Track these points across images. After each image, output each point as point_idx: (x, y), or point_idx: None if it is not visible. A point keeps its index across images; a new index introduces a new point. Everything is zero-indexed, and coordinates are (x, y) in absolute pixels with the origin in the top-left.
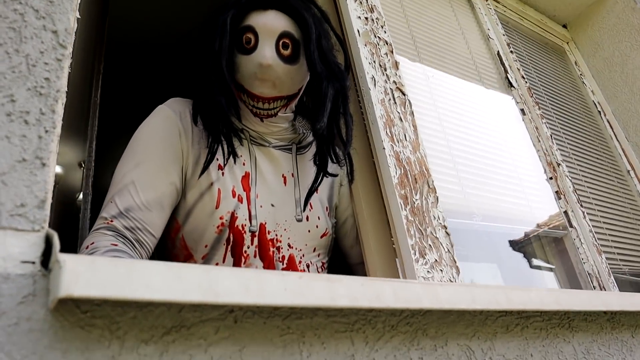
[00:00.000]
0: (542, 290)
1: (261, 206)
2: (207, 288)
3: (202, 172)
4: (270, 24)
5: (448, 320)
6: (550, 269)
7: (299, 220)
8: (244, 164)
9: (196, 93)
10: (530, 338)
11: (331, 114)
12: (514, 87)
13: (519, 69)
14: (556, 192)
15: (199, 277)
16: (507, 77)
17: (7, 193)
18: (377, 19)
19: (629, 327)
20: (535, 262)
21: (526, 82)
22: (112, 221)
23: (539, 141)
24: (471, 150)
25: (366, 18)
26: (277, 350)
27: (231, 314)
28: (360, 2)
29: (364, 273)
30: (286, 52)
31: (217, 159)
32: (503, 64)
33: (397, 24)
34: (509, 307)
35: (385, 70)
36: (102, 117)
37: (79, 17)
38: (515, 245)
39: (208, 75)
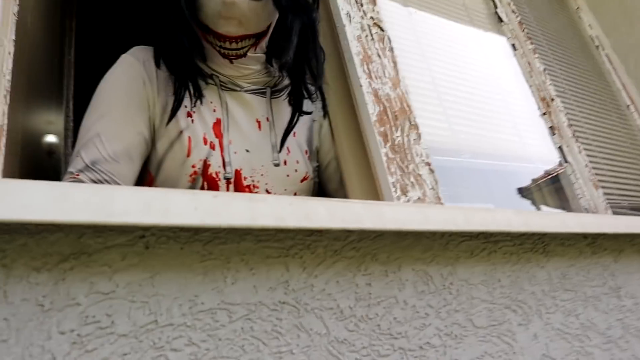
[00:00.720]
0: (509, 211)
1: (235, 152)
2: (99, 207)
3: (170, 119)
4: None
5: (403, 244)
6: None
7: (277, 165)
8: (214, 111)
9: (157, 35)
10: (499, 263)
11: (300, 49)
12: (504, 21)
13: (509, 3)
14: (550, 127)
15: (89, 195)
16: (496, 12)
17: None
18: None
19: (612, 252)
20: (531, 197)
21: (517, 16)
22: (78, 175)
23: (531, 77)
24: (459, 87)
25: None
26: (196, 277)
27: (142, 240)
28: None
29: None
30: None
31: (186, 107)
32: None
33: None
34: (467, 228)
35: (362, 6)
36: (80, 77)
37: None
38: (510, 182)
39: (167, 15)
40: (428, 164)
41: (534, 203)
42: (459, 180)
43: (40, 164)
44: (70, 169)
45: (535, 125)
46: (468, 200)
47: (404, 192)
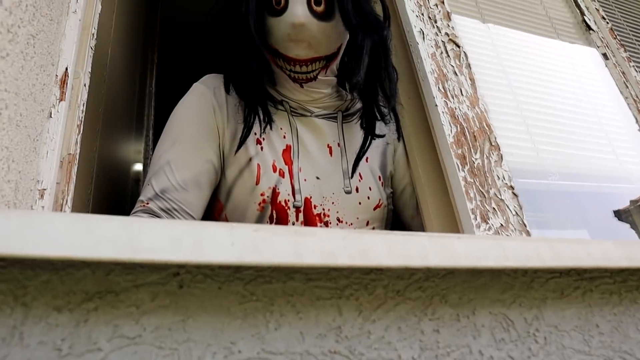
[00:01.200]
0: (607, 242)
1: (305, 180)
2: (125, 243)
3: (239, 147)
4: None
5: (477, 283)
6: None
7: (348, 192)
8: (284, 137)
9: (227, 61)
10: (596, 305)
11: (371, 69)
12: (592, 30)
13: (597, 10)
14: None
15: (115, 229)
16: (583, 20)
17: None
18: None
19: None
20: (630, 220)
21: (607, 22)
22: (148, 203)
23: (627, 87)
24: (544, 103)
25: None
26: (235, 322)
27: (175, 278)
28: None
29: None
30: (319, 9)
31: (255, 133)
32: (578, 6)
33: None
34: (556, 264)
35: (436, 22)
36: (159, 107)
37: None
38: (605, 205)
39: (237, 40)
40: (511, 187)
41: (633, 227)
42: (547, 205)
43: (125, 191)
44: (141, 197)
45: (633, 140)
46: (557, 227)
47: (485, 219)
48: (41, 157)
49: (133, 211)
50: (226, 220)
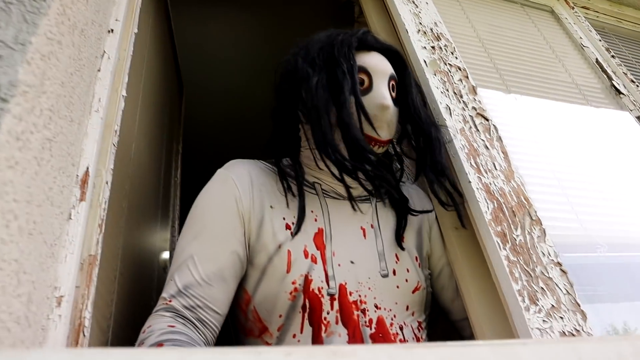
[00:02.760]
0: None
1: (339, 265)
2: None
3: (297, 231)
4: (382, 65)
5: None
6: None
7: (385, 276)
8: (315, 220)
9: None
10: None
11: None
12: (622, 93)
13: (625, 73)
14: None
15: None
16: (612, 85)
17: None
18: (445, 46)
19: None
20: None
21: (637, 85)
22: (170, 301)
23: None
24: (582, 172)
25: (432, 47)
26: None
27: None
28: (425, 33)
29: (471, 330)
30: (394, 94)
31: (284, 218)
32: (605, 71)
33: (472, 51)
34: None
35: (462, 97)
36: (184, 196)
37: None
38: None
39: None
40: (558, 264)
41: None
42: (596, 279)
43: (152, 284)
44: (164, 294)
45: None
46: (610, 301)
47: (533, 300)
48: (59, 262)
49: (155, 309)
50: (255, 312)
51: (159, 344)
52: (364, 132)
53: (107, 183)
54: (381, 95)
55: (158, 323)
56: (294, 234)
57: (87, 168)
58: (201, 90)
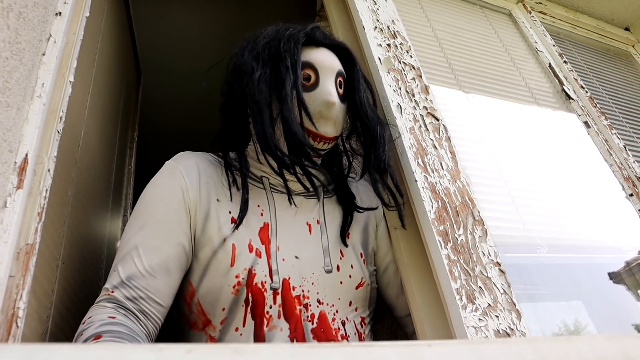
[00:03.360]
0: (600, 337)
1: (283, 259)
2: None
3: (238, 225)
4: (329, 61)
5: None
6: None
7: (329, 272)
8: (261, 215)
9: (230, 134)
10: None
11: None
12: (572, 99)
13: (576, 79)
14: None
15: None
16: (563, 89)
17: None
18: (400, 44)
19: None
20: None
21: (586, 92)
22: (113, 292)
23: (611, 154)
24: (528, 174)
25: (388, 45)
26: None
27: None
28: (381, 30)
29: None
30: (341, 91)
31: (230, 212)
32: (557, 76)
33: (429, 50)
34: None
35: (414, 96)
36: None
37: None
38: (598, 274)
39: (262, 111)
40: (497, 264)
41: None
42: (537, 279)
43: (98, 273)
44: (107, 285)
45: (623, 207)
46: (550, 300)
47: (471, 299)
48: None
49: (97, 300)
50: (199, 305)
51: (97, 336)
52: (305, 127)
53: (49, 171)
54: (327, 91)
55: (99, 314)
56: (236, 227)
57: (26, 155)
58: (161, 76)
